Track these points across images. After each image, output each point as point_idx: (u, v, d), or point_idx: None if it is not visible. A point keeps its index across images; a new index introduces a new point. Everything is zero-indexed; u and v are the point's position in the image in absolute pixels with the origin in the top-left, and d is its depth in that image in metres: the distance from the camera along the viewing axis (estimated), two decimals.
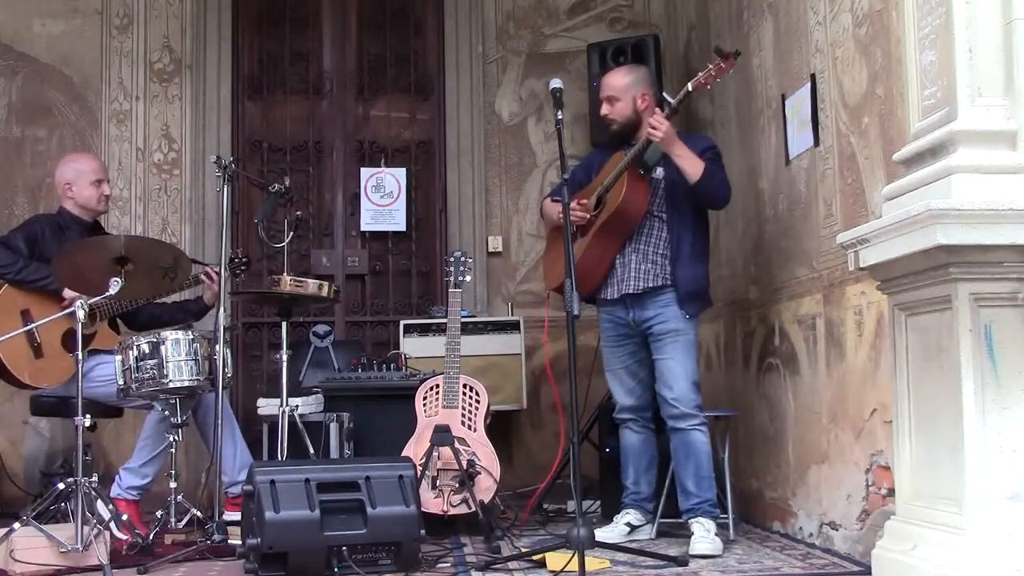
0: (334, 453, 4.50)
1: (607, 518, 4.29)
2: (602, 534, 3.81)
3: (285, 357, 4.20)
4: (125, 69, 5.86)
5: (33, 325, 4.15)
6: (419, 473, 3.85)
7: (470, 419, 4.20)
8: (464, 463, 4.03)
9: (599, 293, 4.05)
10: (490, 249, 5.95)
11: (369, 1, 6.22)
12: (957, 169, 2.65)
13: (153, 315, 4.62)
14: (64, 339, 4.23)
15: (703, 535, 3.71)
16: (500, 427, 5.25)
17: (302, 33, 6.19)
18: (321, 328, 5.22)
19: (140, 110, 5.86)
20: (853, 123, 3.56)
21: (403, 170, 6.01)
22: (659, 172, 3.95)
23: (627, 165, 3.86)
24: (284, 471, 3.37)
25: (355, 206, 6.00)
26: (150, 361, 3.94)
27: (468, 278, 4.40)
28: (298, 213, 4.62)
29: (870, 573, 3.05)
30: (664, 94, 4.01)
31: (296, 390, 4.60)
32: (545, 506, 4.73)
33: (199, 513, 4.04)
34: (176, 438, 4.05)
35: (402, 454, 4.07)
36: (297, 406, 4.28)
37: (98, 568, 3.32)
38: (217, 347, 3.96)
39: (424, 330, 5.33)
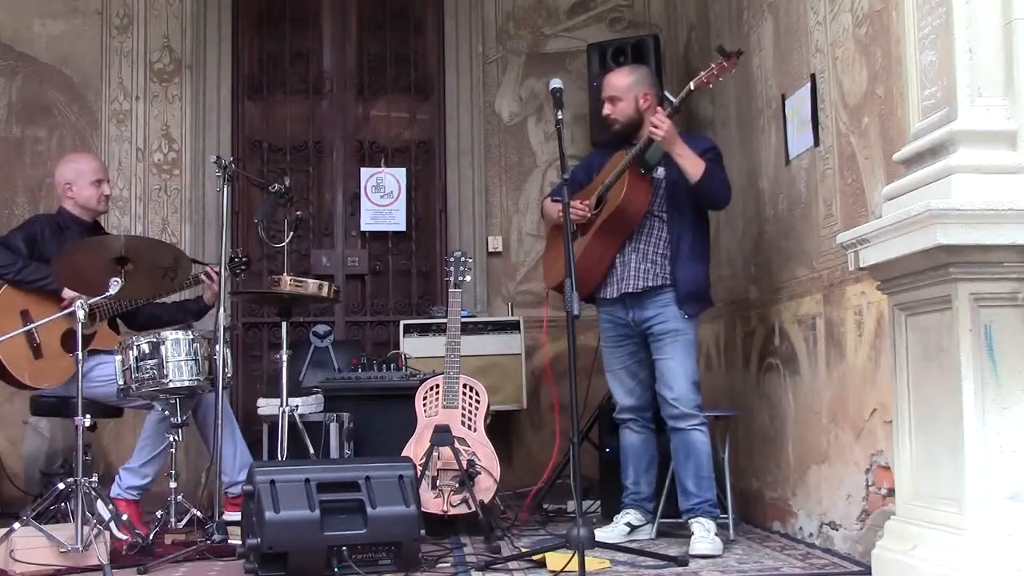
0: (334, 453, 4.50)
1: (607, 518, 4.29)
2: (602, 534, 3.81)
3: (285, 357, 4.20)
4: (125, 69, 5.86)
5: (33, 325, 4.15)
6: (419, 473, 3.85)
7: (470, 419, 4.20)
8: (464, 463, 4.03)
9: (598, 293, 4.05)
10: (490, 249, 5.95)
11: (369, 1, 6.22)
12: (957, 169, 2.65)
13: (153, 315, 4.62)
14: (64, 339, 4.23)
15: (703, 535, 3.71)
16: (500, 427, 5.25)
17: (302, 33, 6.19)
18: (321, 328, 5.22)
19: (140, 110, 5.86)
20: (853, 123, 3.56)
21: (403, 170, 6.01)
22: (660, 172, 3.95)
23: (628, 164, 3.86)
24: (284, 471, 3.37)
25: (355, 206, 6.00)
26: (150, 361, 3.94)
27: (468, 278, 4.40)
28: (298, 213, 4.62)
29: (870, 573, 3.05)
30: (666, 93, 4.01)
31: (296, 390, 4.60)
32: (545, 506, 4.73)
33: (199, 513, 4.04)
34: (176, 438, 4.05)
35: (402, 454, 4.07)
36: (297, 406, 4.28)
37: (98, 568, 3.32)
38: (217, 347, 3.96)
39: (424, 330, 5.33)
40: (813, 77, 3.86)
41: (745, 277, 4.67)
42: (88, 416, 3.54)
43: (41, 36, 5.82)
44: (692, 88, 3.76)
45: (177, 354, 3.96)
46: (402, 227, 5.99)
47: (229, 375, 4.06)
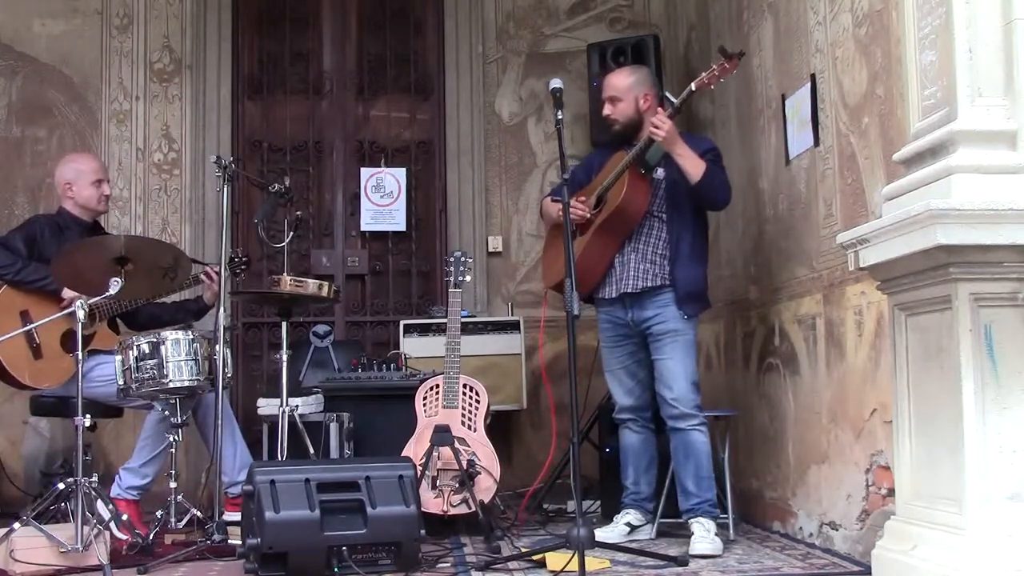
0: (334, 453, 4.50)
1: (607, 518, 4.29)
2: (602, 534, 3.81)
3: (285, 357, 4.20)
4: (125, 69, 5.86)
5: (32, 326, 4.14)
6: (419, 473, 3.85)
7: (470, 419, 4.20)
8: (464, 463, 4.03)
9: (597, 293, 4.05)
10: (490, 249, 5.95)
11: (369, 1, 6.22)
12: (957, 169, 2.65)
13: (153, 315, 4.62)
14: (63, 340, 4.23)
15: (703, 535, 3.71)
16: (500, 427, 5.25)
17: (302, 33, 6.19)
18: (321, 328, 5.22)
19: (140, 110, 5.86)
20: (853, 123, 3.56)
21: (403, 170, 6.01)
22: (660, 172, 3.95)
23: (628, 164, 3.86)
24: (284, 471, 3.37)
25: (355, 206, 6.00)
26: (150, 361, 3.94)
27: (468, 278, 4.40)
28: (298, 213, 4.62)
29: (870, 573, 3.05)
30: (666, 94, 4.02)
31: (296, 390, 4.60)
32: (545, 506, 4.73)
33: (199, 513, 4.04)
34: (176, 438, 4.05)
35: (402, 454, 4.07)
36: (297, 406, 4.28)
37: (98, 568, 3.32)
38: (217, 347, 3.96)
39: (424, 330, 5.33)
40: (813, 77, 3.86)
41: (745, 277, 4.67)
42: (88, 416, 3.54)
43: (41, 36, 5.82)
44: (693, 89, 3.76)
45: (177, 354, 3.96)
46: (402, 227, 5.99)
47: (229, 375, 4.06)
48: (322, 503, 3.27)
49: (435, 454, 4.05)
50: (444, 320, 4.61)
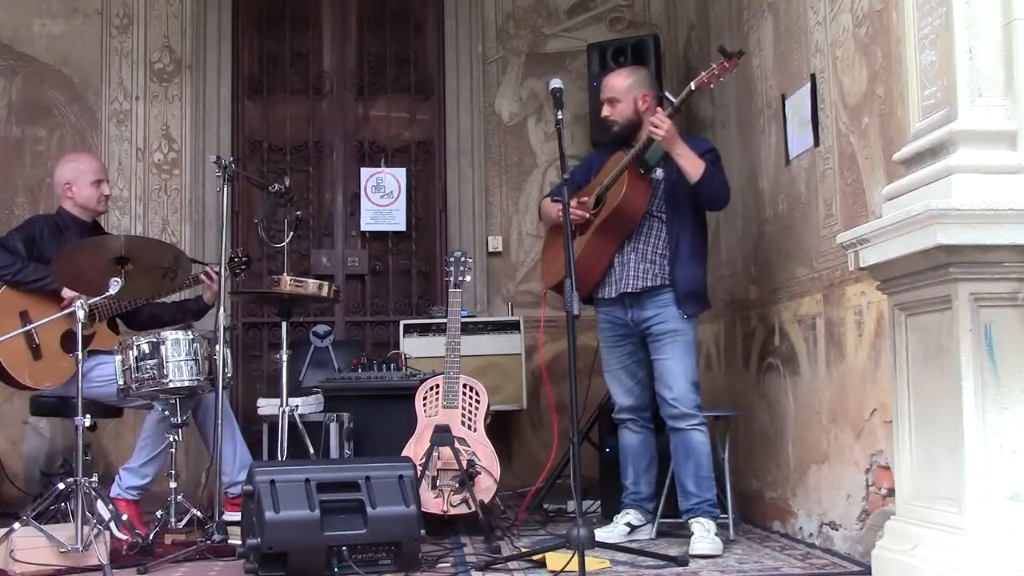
0: (334, 453, 4.50)
1: (607, 518, 4.29)
2: (602, 534, 3.81)
3: (285, 357, 4.20)
4: (125, 69, 5.86)
5: (32, 326, 4.14)
6: (419, 473, 3.85)
7: (470, 419, 4.20)
8: (464, 463, 4.03)
9: (597, 293, 4.05)
10: (490, 249, 5.96)
11: (369, 1, 6.22)
12: (957, 169, 2.65)
13: (153, 315, 4.62)
14: (63, 340, 4.22)
15: (703, 535, 3.71)
16: (500, 427, 5.25)
17: (302, 33, 6.19)
18: (321, 328, 5.22)
19: (140, 110, 5.86)
20: (853, 123, 3.56)
21: (403, 170, 6.01)
22: (659, 173, 3.96)
23: (628, 164, 3.86)
24: (284, 471, 3.37)
25: (355, 206, 6.00)
26: (150, 361, 3.94)
27: (468, 278, 4.40)
28: (298, 213, 4.62)
29: (870, 573, 3.05)
30: (666, 93, 4.01)
31: (296, 390, 4.60)
32: (545, 506, 4.73)
33: (199, 513, 4.04)
34: (176, 438, 4.05)
35: (402, 454, 4.07)
36: (297, 406, 4.28)
37: (98, 568, 3.32)
38: (217, 347, 3.96)
39: (424, 330, 5.33)
40: (813, 77, 3.86)
41: (745, 277, 4.67)
42: (88, 416, 3.54)
43: (41, 36, 5.82)
44: (693, 88, 3.76)
45: (177, 354, 3.96)
46: (402, 227, 5.99)
47: (229, 375, 4.06)
48: (322, 503, 3.27)
49: (435, 454, 4.05)
50: (444, 320, 4.61)
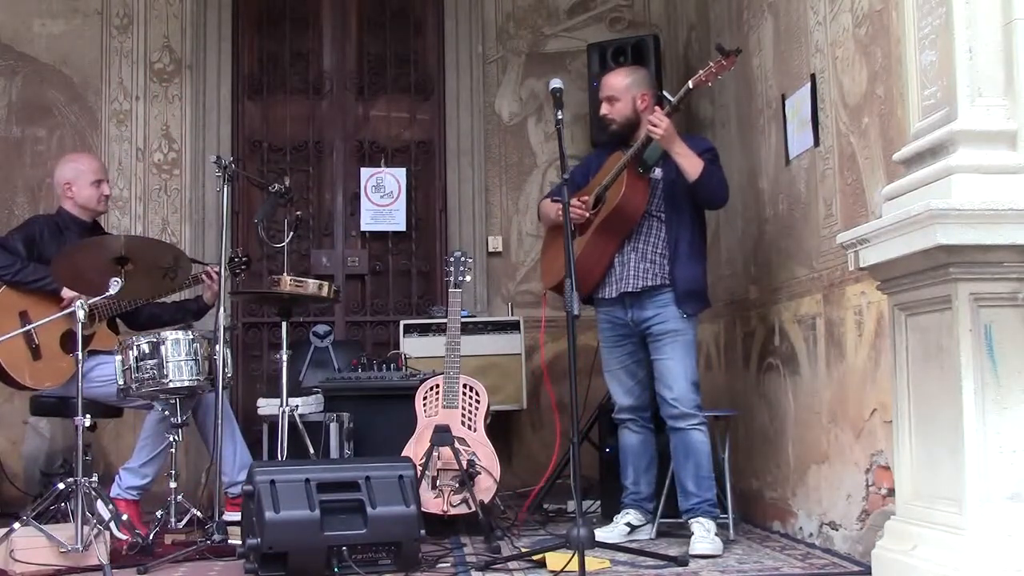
0: (334, 453, 4.50)
1: (607, 518, 4.29)
2: (602, 534, 3.81)
3: (285, 357, 4.20)
4: (125, 69, 5.86)
5: (32, 326, 4.14)
6: (419, 473, 3.85)
7: (470, 419, 4.20)
8: (464, 463, 4.03)
9: (597, 293, 4.05)
10: (490, 249, 5.96)
11: (369, 1, 6.22)
12: (957, 169, 2.65)
13: (153, 315, 4.62)
14: (63, 340, 4.22)
15: (703, 535, 3.71)
16: (500, 427, 5.25)
17: (302, 33, 6.19)
18: (321, 328, 5.22)
19: (140, 110, 5.86)
20: (853, 123, 3.56)
21: (403, 170, 6.01)
22: (657, 172, 3.96)
23: (627, 163, 3.86)
24: (284, 471, 3.37)
25: (355, 206, 6.00)
26: (150, 361, 3.94)
27: (468, 278, 4.40)
28: (298, 213, 4.62)
29: (870, 573, 3.05)
30: (664, 93, 4.01)
31: (296, 390, 4.60)
32: (545, 506, 4.73)
33: (199, 513, 4.04)
34: (176, 438, 4.05)
35: (402, 454, 4.07)
36: (297, 406, 4.28)
37: (98, 568, 3.32)
38: (217, 347, 3.96)
39: (424, 330, 5.33)
40: (813, 77, 3.86)
41: (745, 277, 4.67)
42: (88, 416, 3.54)
43: (41, 36, 5.82)
44: (691, 87, 3.76)
45: (177, 354, 3.96)
46: (402, 227, 5.99)
47: (229, 375, 4.06)
48: (322, 503, 3.27)
49: (435, 454, 4.05)
50: (444, 320, 4.61)
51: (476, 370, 4.71)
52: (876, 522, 3.26)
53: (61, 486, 3.59)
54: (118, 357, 3.98)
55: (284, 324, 4.27)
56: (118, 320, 4.55)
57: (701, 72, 3.74)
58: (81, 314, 3.51)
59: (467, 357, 4.42)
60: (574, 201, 3.86)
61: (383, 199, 5.97)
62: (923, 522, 2.78)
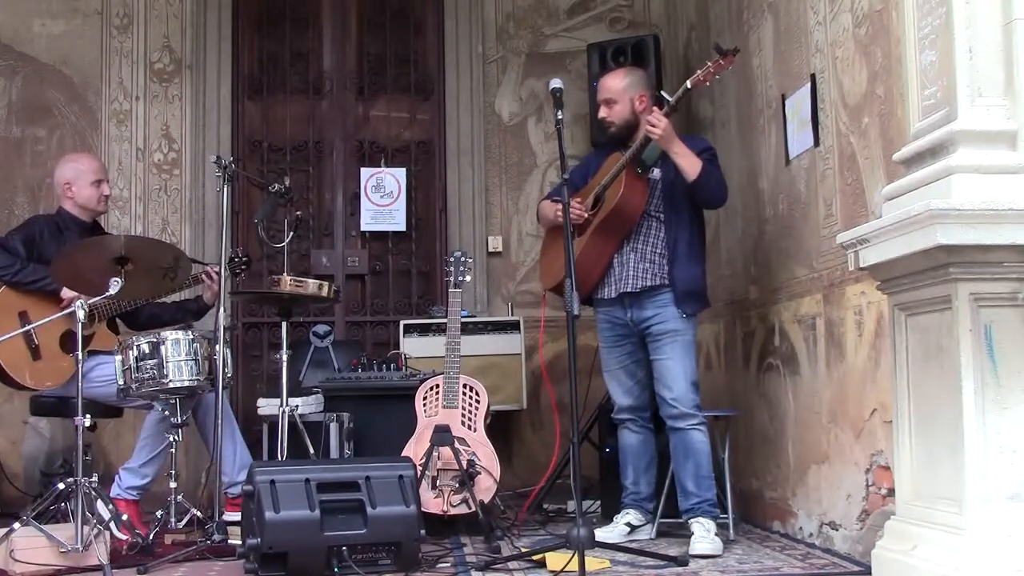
0: (334, 453, 4.50)
1: (607, 518, 4.29)
2: (602, 534, 3.81)
3: (285, 357, 4.20)
4: (125, 69, 5.86)
5: (32, 326, 4.14)
6: (419, 473, 3.85)
7: (470, 419, 4.20)
8: (464, 463, 4.03)
9: (596, 293, 4.05)
10: (490, 249, 5.96)
11: (369, 1, 6.22)
12: (957, 169, 2.65)
13: (153, 315, 4.62)
14: (62, 340, 4.22)
15: (703, 535, 3.71)
16: (500, 427, 5.25)
17: (302, 33, 6.19)
18: (321, 328, 5.22)
19: (140, 110, 5.86)
20: (853, 123, 3.56)
21: (403, 170, 6.01)
22: (656, 173, 3.96)
23: (625, 164, 3.87)
24: (284, 471, 3.37)
25: (355, 206, 6.01)
26: (150, 361, 3.94)
27: (468, 278, 4.40)
28: (298, 213, 4.62)
29: (870, 573, 3.05)
30: (662, 93, 4.02)
31: (296, 390, 4.60)
32: (545, 506, 4.73)
33: (199, 513, 4.04)
34: (176, 438, 4.05)
35: (402, 454, 4.07)
36: (297, 406, 4.28)
37: (98, 568, 3.32)
38: (217, 347, 3.96)
39: (424, 330, 5.33)
40: (813, 77, 3.86)
41: (745, 277, 4.67)
42: (88, 416, 3.54)
43: (41, 36, 5.82)
44: (689, 87, 3.76)
45: (177, 354, 3.96)
46: (402, 227, 6.00)
47: (229, 375, 4.06)
48: (322, 503, 3.27)
49: (435, 454, 4.05)
50: (444, 320, 4.61)
51: (476, 370, 4.71)
52: (876, 522, 3.26)
53: (61, 486, 3.59)
54: (118, 357, 3.98)
55: (284, 324, 4.27)
56: (118, 320, 4.55)
57: (699, 72, 3.74)
58: (81, 314, 3.51)
59: (467, 357, 4.42)
60: (573, 202, 3.86)
61: (383, 199, 5.97)
62: (923, 522, 2.78)
